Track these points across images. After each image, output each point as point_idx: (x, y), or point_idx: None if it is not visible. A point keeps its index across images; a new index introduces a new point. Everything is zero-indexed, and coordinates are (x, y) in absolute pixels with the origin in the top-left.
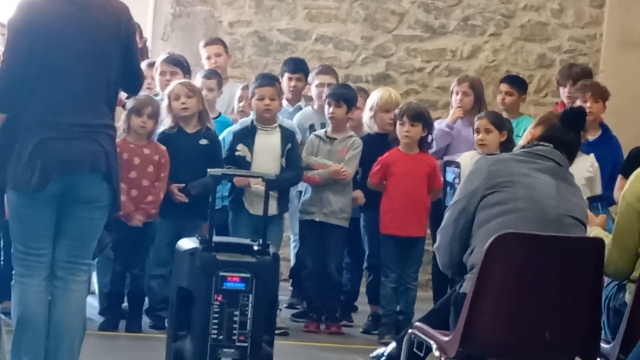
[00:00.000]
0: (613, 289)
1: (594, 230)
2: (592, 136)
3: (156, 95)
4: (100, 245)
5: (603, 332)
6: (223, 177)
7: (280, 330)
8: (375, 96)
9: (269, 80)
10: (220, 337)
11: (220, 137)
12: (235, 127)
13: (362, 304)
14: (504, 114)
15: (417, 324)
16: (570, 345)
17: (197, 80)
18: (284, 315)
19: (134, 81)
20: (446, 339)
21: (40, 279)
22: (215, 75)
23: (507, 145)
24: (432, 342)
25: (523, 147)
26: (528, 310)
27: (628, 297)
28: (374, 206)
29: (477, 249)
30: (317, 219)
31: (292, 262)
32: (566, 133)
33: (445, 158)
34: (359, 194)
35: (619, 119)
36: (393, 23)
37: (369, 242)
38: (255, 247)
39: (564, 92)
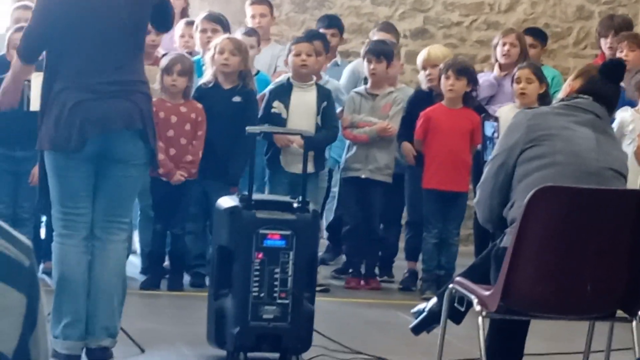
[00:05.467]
0: None
1: None
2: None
3: (190, 53)
4: None
5: None
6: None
7: (321, 287)
8: (421, 54)
9: (306, 36)
10: (262, 295)
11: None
12: (270, 86)
13: (397, 260)
14: None
15: (458, 278)
16: (611, 298)
17: (237, 37)
18: (324, 272)
19: (164, 16)
20: (487, 293)
21: (79, 239)
22: (255, 33)
23: (544, 98)
24: (473, 296)
25: (562, 100)
26: (569, 264)
27: None
28: (416, 162)
29: (517, 203)
30: (363, 176)
31: (327, 219)
32: (605, 85)
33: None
34: (407, 146)
35: None
36: None
37: (410, 198)
38: (295, 205)
39: (605, 44)
